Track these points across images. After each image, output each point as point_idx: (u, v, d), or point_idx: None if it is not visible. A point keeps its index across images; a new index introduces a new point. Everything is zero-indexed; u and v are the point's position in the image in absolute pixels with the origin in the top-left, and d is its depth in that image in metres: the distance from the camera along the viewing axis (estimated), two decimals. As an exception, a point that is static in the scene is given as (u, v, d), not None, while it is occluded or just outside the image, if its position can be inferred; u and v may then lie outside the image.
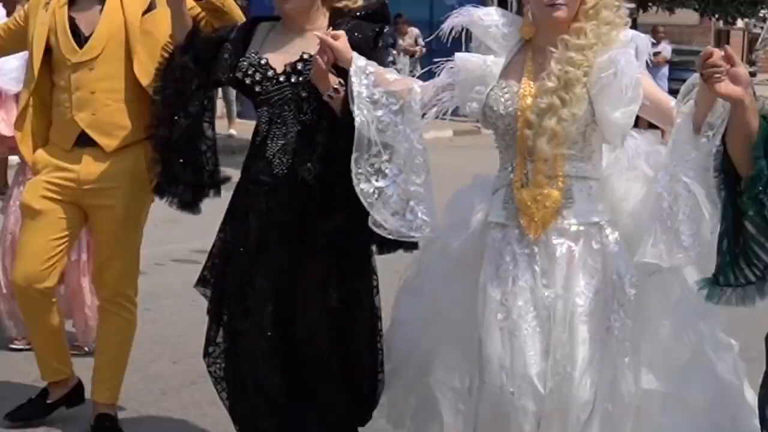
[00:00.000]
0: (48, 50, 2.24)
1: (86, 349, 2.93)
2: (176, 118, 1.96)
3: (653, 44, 1.83)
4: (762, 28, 21.64)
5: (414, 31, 11.89)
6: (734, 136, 1.45)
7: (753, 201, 1.42)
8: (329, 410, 1.89)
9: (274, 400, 1.88)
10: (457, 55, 1.71)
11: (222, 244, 1.99)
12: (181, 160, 2.01)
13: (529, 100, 1.64)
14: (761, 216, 1.45)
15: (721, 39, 22.49)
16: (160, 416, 2.61)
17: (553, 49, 1.61)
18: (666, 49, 10.19)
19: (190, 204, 2.09)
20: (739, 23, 23.85)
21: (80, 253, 2.87)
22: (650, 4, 16.87)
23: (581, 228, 1.66)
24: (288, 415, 1.91)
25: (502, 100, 1.66)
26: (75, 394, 2.45)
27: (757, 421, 1.56)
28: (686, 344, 1.69)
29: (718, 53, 1.41)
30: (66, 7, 2.24)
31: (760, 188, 1.41)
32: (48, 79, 2.28)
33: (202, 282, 2.06)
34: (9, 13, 4.53)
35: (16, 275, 2.31)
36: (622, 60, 1.55)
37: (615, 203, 1.73)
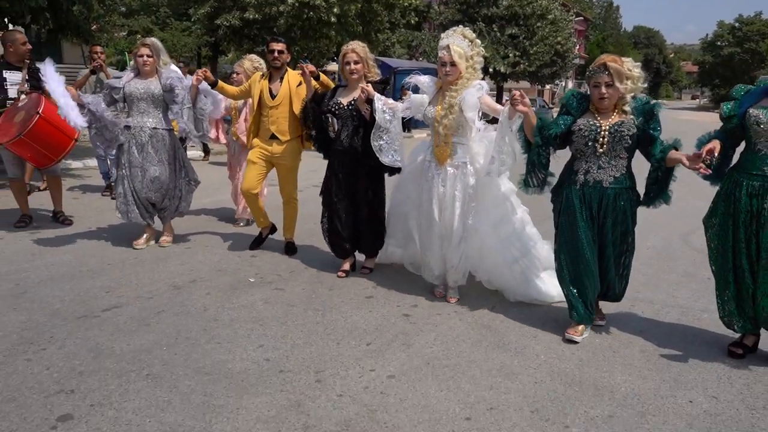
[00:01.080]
0: (259, 99, 4.97)
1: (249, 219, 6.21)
2: (312, 129, 4.76)
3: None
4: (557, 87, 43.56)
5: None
6: (526, 126, 3.68)
7: (534, 153, 3.67)
8: (372, 234, 4.71)
9: (347, 233, 4.67)
10: (412, 95, 4.40)
11: (327, 174, 4.70)
12: (320, 144, 4.79)
13: (440, 113, 4.07)
14: (538, 160, 3.67)
15: (540, 93, 40.60)
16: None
17: (447, 92, 4.06)
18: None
19: (320, 151, 4.82)
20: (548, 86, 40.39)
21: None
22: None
23: (457, 164, 4.10)
24: (351, 240, 4.72)
25: (429, 114, 4.17)
26: (272, 230, 5.51)
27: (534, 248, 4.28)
28: (500, 209, 4.18)
29: (520, 93, 3.60)
30: (267, 81, 4.97)
31: (540, 150, 3.65)
32: (259, 111, 5.02)
33: (322, 190, 4.77)
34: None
35: (243, 186, 5.08)
36: (467, 94, 3.95)
37: (473, 153, 4.14)
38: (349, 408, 2.82)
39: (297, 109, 4.86)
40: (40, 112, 5.25)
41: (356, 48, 4.48)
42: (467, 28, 4.28)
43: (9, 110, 5.54)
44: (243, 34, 14.41)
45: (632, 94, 3.46)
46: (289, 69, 5.01)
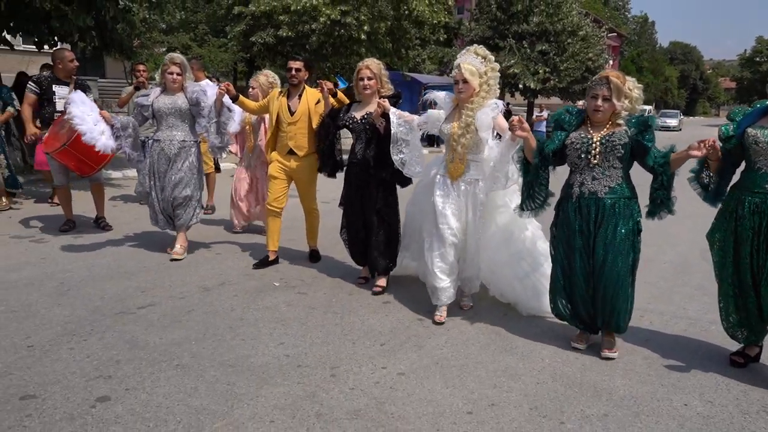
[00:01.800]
0: (277, 115, 5.16)
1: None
2: (325, 142, 4.94)
3: (540, 111, 7.94)
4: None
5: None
6: (526, 148, 3.77)
7: (532, 174, 3.77)
8: (383, 249, 4.77)
9: (361, 242, 4.87)
10: (429, 110, 4.38)
11: (344, 186, 4.87)
12: (326, 157, 4.98)
13: (456, 130, 4.15)
14: (537, 181, 3.75)
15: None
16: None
17: (463, 110, 4.13)
18: (544, 113, 16.61)
19: (329, 174, 5.05)
20: (579, 102, 38.06)
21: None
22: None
23: (470, 180, 4.17)
24: (365, 249, 4.86)
25: (445, 130, 4.22)
26: (275, 261, 5.43)
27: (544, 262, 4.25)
28: (511, 225, 4.34)
29: (518, 119, 3.67)
30: (286, 98, 5.16)
31: (539, 171, 3.74)
32: (277, 127, 5.20)
33: (341, 202, 4.95)
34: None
35: (269, 200, 5.26)
36: (481, 114, 4.04)
37: (485, 171, 4.16)
38: (359, 400, 3.05)
39: (315, 125, 5.06)
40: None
41: (370, 65, 4.65)
42: (480, 46, 4.37)
43: (57, 122, 5.97)
44: (277, 50, 14.91)
45: (627, 113, 3.54)
46: (307, 87, 5.21)
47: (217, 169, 11.11)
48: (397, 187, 4.75)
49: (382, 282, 4.80)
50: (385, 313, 4.31)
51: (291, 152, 5.15)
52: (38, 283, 4.66)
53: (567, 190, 3.74)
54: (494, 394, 3.17)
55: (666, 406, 3.09)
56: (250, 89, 6.16)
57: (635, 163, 3.67)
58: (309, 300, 4.53)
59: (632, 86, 3.54)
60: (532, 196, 3.80)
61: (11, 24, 8.38)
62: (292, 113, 5.09)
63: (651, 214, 3.64)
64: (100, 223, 6.54)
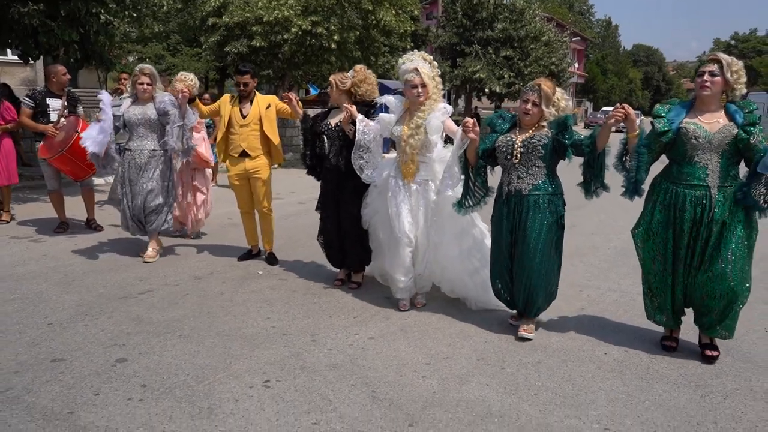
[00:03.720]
0: (229, 119, 5.50)
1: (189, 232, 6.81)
2: (307, 149, 5.17)
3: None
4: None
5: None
6: (470, 150, 4.07)
7: (474, 174, 4.13)
8: (357, 250, 5.00)
9: (336, 245, 5.08)
10: (380, 114, 4.63)
11: (321, 190, 5.06)
12: (309, 161, 5.15)
13: (406, 132, 4.40)
14: (479, 179, 4.14)
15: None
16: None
17: (415, 112, 4.37)
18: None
19: (317, 178, 5.12)
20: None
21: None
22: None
23: (420, 181, 4.44)
24: (342, 252, 5.08)
25: (396, 132, 4.48)
26: (259, 252, 5.95)
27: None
28: (460, 223, 4.44)
29: (473, 122, 3.98)
30: (238, 103, 5.50)
31: (480, 170, 4.13)
32: (228, 131, 5.52)
33: (318, 206, 5.14)
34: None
35: (241, 208, 5.77)
36: (432, 117, 4.31)
37: (434, 172, 4.41)
38: (336, 357, 3.65)
39: (267, 128, 5.43)
40: (78, 131, 6.18)
41: (335, 76, 4.90)
42: (423, 52, 4.63)
43: (51, 132, 6.46)
44: (250, 59, 15.42)
45: (552, 119, 3.84)
46: (257, 93, 5.58)
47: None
48: None
49: (357, 278, 5.14)
50: (357, 293, 4.92)
51: (244, 154, 5.46)
52: (44, 275, 5.16)
53: (499, 189, 4.07)
54: (449, 350, 3.80)
55: (589, 355, 3.77)
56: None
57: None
58: (290, 284, 5.11)
59: (560, 96, 3.88)
60: (471, 193, 4.13)
61: (-1, 38, 8.79)
62: (243, 116, 5.44)
63: (587, 192, 3.90)
64: (91, 224, 7.02)
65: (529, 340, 3.96)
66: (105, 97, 5.65)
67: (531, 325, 4.08)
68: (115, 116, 5.58)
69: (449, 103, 4.84)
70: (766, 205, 3.43)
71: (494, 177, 4.25)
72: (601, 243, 6.94)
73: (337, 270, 5.27)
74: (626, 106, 3.54)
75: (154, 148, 5.60)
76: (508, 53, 24.57)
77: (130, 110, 5.59)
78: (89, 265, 5.49)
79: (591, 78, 57.96)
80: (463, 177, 4.16)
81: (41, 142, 6.62)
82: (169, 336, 3.90)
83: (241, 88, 5.46)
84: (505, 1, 25.67)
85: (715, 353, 3.71)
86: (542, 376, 3.46)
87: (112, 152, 5.61)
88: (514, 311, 4.27)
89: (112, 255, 5.88)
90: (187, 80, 5.85)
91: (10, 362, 3.45)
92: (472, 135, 3.96)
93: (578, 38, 51.14)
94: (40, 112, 6.62)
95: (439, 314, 4.45)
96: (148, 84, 5.58)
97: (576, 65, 52.19)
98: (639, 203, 3.85)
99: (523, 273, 3.94)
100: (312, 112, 6.93)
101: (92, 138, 5.48)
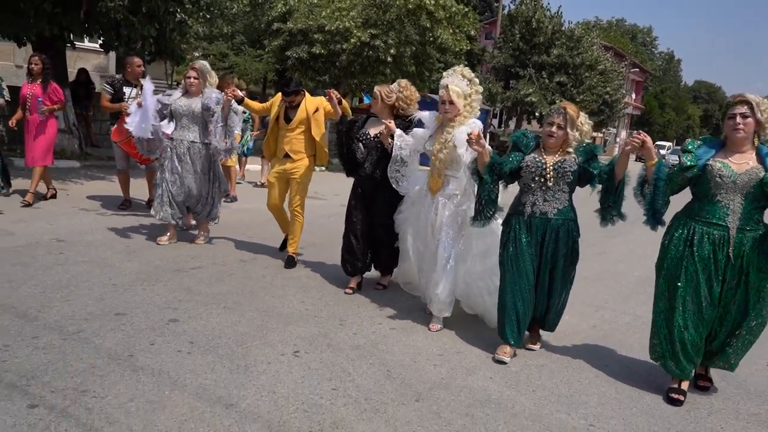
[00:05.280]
0: (277, 120, 5.68)
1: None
2: (343, 149, 5.24)
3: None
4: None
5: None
6: (479, 163, 4.05)
7: (485, 189, 4.09)
8: (387, 254, 5.23)
9: (359, 252, 5.13)
10: (415, 129, 4.76)
11: (351, 195, 5.20)
12: (344, 161, 5.28)
13: (436, 147, 4.47)
14: (489, 196, 4.07)
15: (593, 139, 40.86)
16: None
17: (445, 128, 4.43)
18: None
19: (348, 174, 5.31)
20: (595, 134, 41.68)
21: None
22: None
23: (449, 194, 4.44)
24: (363, 258, 5.17)
25: (428, 147, 4.57)
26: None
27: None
28: (487, 240, 4.40)
29: (477, 134, 3.99)
30: (285, 107, 5.59)
31: (490, 187, 4.06)
32: (276, 130, 5.73)
33: (347, 209, 5.21)
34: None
35: (269, 204, 5.86)
36: (459, 132, 4.27)
37: (464, 186, 4.41)
38: (360, 340, 4.08)
39: (314, 131, 5.51)
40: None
41: (378, 86, 5.02)
42: (467, 67, 4.64)
43: (124, 117, 7.13)
44: (309, 65, 16.13)
45: (576, 143, 3.93)
46: (307, 95, 5.60)
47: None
48: None
49: (384, 281, 5.37)
50: (386, 291, 5.34)
51: (287, 156, 5.61)
52: (109, 244, 5.78)
53: (518, 208, 4.03)
54: (461, 346, 4.18)
55: (590, 365, 4.08)
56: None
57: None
58: (326, 275, 5.56)
59: (584, 120, 3.96)
60: (483, 210, 4.09)
61: (86, 26, 9.62)
62: (288, 121, 5.55)
63: (603, 219, 3.96)
64: (151, 205, 7.65)
65: (533, 350, 4.22)
66: (147, 85, 6.03)
67: (538, 336, 4.31)
68: (163, 104, 5.90)
69: (500, 124, 5.18)
70: None
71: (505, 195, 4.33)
72: (625, 270, 7.17)
73: (350, 277, 5.24)
74: (643, 133, 3.62)
75: (193, 140, 5.85)
76: (561, 79, 24.75)
77: (178, 101, 5.88)
78: (148, 240, 6.08)
79: (648, 111, 57.17)
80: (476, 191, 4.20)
81: (114, 126, 7.29)
82: (214, 306, 4.40)
83: (290, 105, 5.54)
84: (563, 28, 25.86)
85: (706, 384, 3.80)
86: (543, 376, 3.81)
87: (160, 135, 5.92)
88: (507, 341, 4.06)
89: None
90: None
91: (81, 311, 4.01)
92: (476, 147, 3.95)
93: (637, 69, 50.59)
94: (117, 99, 7.29)
95: (457, 317, 4.81)
96: (195, 78, 5.82)
97: (633, 96, 51.59)
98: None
99: (543, 295, 4.05)
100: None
101: (136, 123, 5.92)
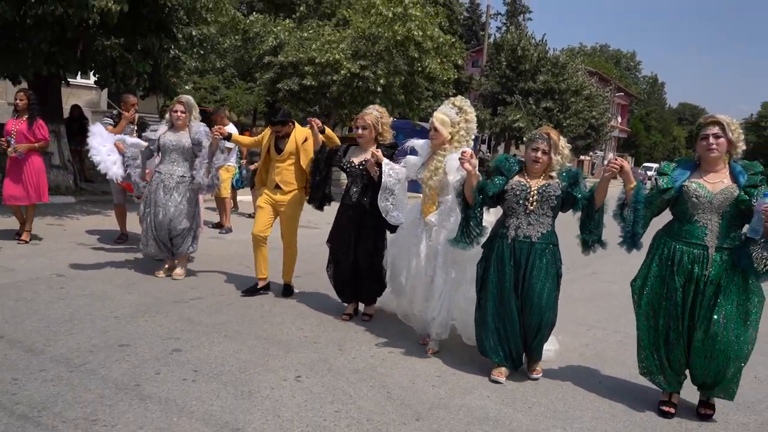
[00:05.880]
0: (268, 151, 5.64)
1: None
2: (317, 177, 5.24)
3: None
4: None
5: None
6: (467, 184, 4.06)
7: (472, 213, 4.09)
8: (371, 285, 5.17)
9: (348, 281, 5.16)
10: (407, 156, 4.87)
11: (334, 224, 5.20)
12: (316, 191, 5.27)
13: (426, 174, 4.60)
14: (474, 218, 4.09)
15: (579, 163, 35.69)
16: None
17: (435, 155, 4.57)
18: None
19: (318, 207, 5.34)
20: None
21: None
22: None
23: (441, 220, 4.47)
24: (352, 286, 5.19)
25: (419, 175, 4.70)
26: (266, 287, 5.78)
27: None
28: (473, 261, 4.33)
29: (470, 153, 4.06)
30: (275, 137, 5.57)
31: (476, 209, 4.10)
32: (267, 163, 5.69)
33: (329, 240, 5.29)
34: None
35: (254, 230, 5.57)
36: (450, 158, 4.36)
37: (457, 212, 4.28)
38: (359, 364, 4.18)
39: (303, 161, 5.41)
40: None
41: (365, 116, 4.95)
42: (462, 97, 4.77)
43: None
44: (300, 97, 16.39)
45: (558, 167, 4.00)
46: (297, 126, 5.59)
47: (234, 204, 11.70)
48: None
49: (369, 311, 5.29)
50: (383, 318, 5.40)
51: (277, 187, 5.52)
52: (109, 277, 5.87)
53: (500, 231, 4.08)
54: (458, 367, 4.29)
55: (584, 382, 4.20)
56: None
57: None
58: (323, 304, 5.66)
59: (564, 144, 4.01)
60: (468, 232, 4.08)
61: (82, 64, 9.82)
62: (279, 151, 5.53)
63: (585, 245, 3.97)
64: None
65: (537, 379, 4.14)
66: (95, 128, 6.69)
67: (537, 364, 4.23)
68: (150, 140, 6.04)
69: (489, 149, 5.38)
70: (760, 269, 3.39)
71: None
72: (617, 291, 7.29)
73: (345, 304, 5.33)
74: (620, 159, 3.72)
75: (183, 174, 5.93)
76: (548, 105, 25.25)
77: (166, 136, 5.93)
78: (147, 272, 6.17)
79: (634, 133, 58.03)
80: (462, 215, 4.16)
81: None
82: (215, 335, 4.50)
83: (279, 136, 5.54)
84: (548, 55, 26.45)
85: (708, 411, 3.74)
86: (538, 393, 3.92)
87: (135, 177, 6.21)
88: (504, 366, 4.14)
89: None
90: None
91: (86, 344, 4.10)
92: (467, 166, 3.95)
93: (622, 93, 51.50)
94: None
95: (454, 339, 4.92)
96: (182, 112, 5.89)
97: (619, 119, 52.42)
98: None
99: (530, 320, 4.00)
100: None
101: (103, 162, 6.39)
